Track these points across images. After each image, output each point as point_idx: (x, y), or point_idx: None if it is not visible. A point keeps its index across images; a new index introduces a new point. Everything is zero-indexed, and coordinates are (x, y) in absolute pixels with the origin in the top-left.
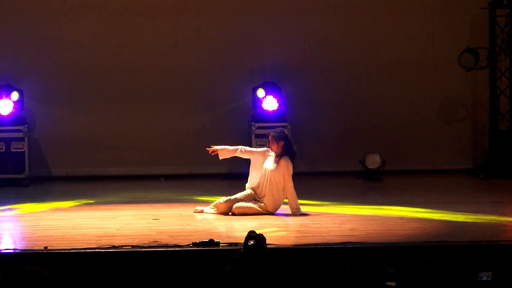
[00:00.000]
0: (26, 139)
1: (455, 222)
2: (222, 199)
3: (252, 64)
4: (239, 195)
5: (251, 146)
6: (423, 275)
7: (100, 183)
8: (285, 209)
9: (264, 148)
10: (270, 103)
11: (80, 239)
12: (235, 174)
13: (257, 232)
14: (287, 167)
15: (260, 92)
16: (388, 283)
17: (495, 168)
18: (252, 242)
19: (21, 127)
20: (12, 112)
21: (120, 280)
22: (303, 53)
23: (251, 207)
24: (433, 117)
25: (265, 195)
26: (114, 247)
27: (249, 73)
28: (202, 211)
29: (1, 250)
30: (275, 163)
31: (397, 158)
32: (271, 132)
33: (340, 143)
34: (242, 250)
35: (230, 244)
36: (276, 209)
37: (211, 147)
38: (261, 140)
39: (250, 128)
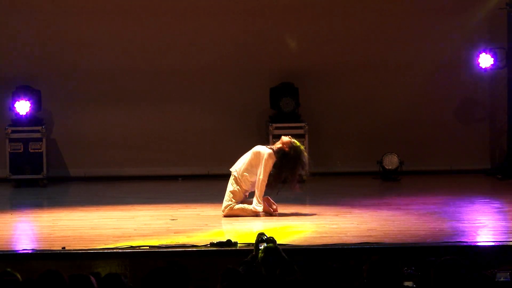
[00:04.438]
0: (44, 140)
1: (473, 222)
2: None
3: (270, 65)
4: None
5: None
6: (442, 275)
7: (117, 183)
8: (301, 209)
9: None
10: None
11: (98, 240)
12: None
13: (275, 233)
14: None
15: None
16: (406, 283)
17: None
18: (264, 245)
19: (39, 128)
20: (30, 112)
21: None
22: (321, 53)
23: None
24: (451, 117)
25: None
26: (132, 247)
27: (267, 74)
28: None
29: (19, 250)
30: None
31: (415, 158)
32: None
33: (358, 143)
34: (253, 253)
35: (248, 244)
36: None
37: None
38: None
39: (268, 128)
